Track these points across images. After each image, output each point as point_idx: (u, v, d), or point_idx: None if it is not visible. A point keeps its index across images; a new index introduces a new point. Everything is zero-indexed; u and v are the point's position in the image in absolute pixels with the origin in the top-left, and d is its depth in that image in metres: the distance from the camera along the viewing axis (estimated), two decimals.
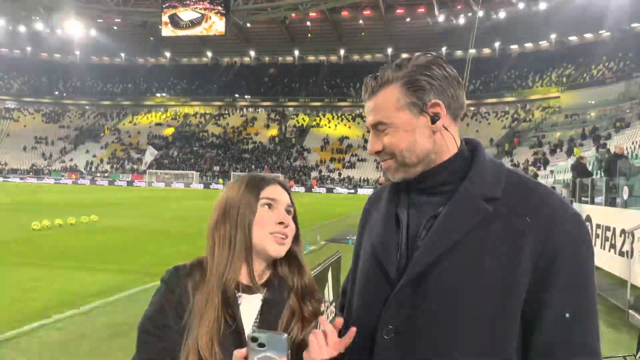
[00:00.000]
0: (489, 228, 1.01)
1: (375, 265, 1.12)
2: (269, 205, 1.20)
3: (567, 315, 0.97)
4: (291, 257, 1.25)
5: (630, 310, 5.99)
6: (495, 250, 0.99)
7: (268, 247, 1.18)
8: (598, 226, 8.13)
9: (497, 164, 1.11)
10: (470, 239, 1.01)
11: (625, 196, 9.82)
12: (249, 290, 1.19)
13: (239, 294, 1.17)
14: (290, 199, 1.25)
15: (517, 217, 1.01)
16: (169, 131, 62.91)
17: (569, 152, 27.91)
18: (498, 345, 0.99)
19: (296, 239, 1.25)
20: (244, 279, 1.19)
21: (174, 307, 1.14)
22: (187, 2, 49.79)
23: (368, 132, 1.18)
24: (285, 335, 1.02)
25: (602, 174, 10.77)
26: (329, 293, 5.30)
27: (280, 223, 1.19)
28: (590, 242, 1.04)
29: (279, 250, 1.19)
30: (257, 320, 1.17)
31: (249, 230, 1.17)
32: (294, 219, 1.25)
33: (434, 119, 1.08)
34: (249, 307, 1.18)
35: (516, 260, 0.98)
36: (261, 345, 0.99)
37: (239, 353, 1.02)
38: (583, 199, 10.91)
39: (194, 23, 50.45)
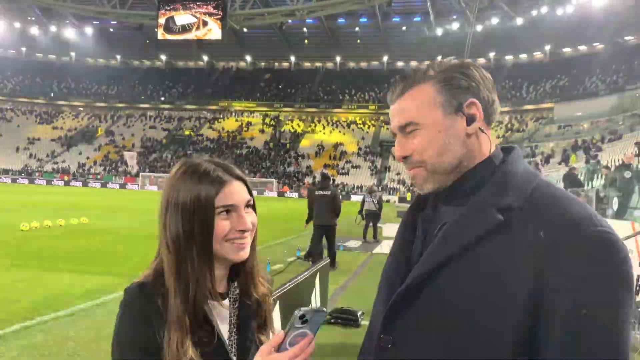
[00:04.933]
0: (496, 239, 0.91)
1: (387, 274, 1.09)
2: (227, 212, 1.10)
3: (572, 351, 0.82)
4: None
5: None
6: (497, 264, 0.90)
7: (229, 255, 1.11)
8: None
9: (528, 174, 0.99)
10: (474, 249, 0.92)
11: (615, 207, 9.87)
12: (216, 296, 1.12)
13: (210, 301, 1.11)
14: (248, 188, 1.15)
15: (531, 230, 0.89)
16: (162, 134, 62.75)
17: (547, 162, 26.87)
18: None
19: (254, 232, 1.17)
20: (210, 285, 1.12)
21: (154, 332, 1.02)
22: (190, 4, 49.82)
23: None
24: (325, 312, 1.03)
25: (609, 185, 10.77)
26: (315, 299, 5.28)
27: (241, 230, 1.10)
28: (617, 269, 0.85)
29: (241, 256, 1.12)
30: (234, 326, 1.14)
31: (210, 241, 1.08)
32: (253, 207, 1.16)
33: (470, 121, 1.01)
34: (220, 315, 1.13)
35: (517, 279, 0.87)
36: (305, 322, 1.01)
37: (277, 337, 1.00)
38: None
39: (185, 28, 50.45)
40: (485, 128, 1.03)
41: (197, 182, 1.09)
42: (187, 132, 63.01)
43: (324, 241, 9.34)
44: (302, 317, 1.02)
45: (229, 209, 1.10)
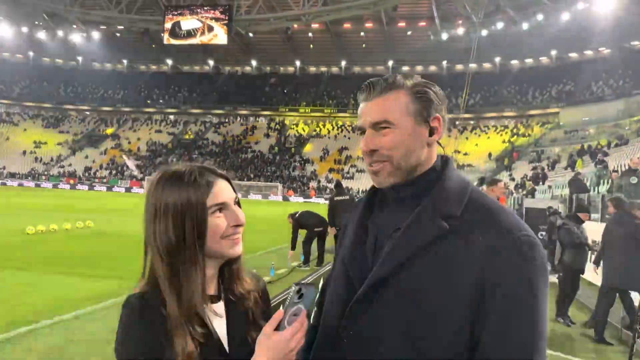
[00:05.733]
0: (442, 245, 1.04)
1: (343, 274, 1.18)
2: (220, 210, 1.13)
3: (503, 337, 0.98)
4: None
5: (623, 329, 5.97)
6: (444, 267, 1.02)
7: (224, 251, 1.13)
8: (594, 242, 8.10)
9: (463, 183, 1.14)
10: (424, 254, 1.04)
11: None
12: (205, 298, 1.13)
13: (205, 305, 1.12)
14: (232, 186, 1.18)
15: (471, 236, 1.03)
16: (168, 138, 62.96)
17: (534, 181, 24.97)
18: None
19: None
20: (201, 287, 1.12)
21: (159, 340, 1.04)
22: (197, 10, 50.05)
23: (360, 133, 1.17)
24: (315, 286, 1.10)
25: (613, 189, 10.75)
26: None
27: (236, 226, 1.14)
28: (541, 267, 1.03)
29: (237, 251, 1.15)
30: (228, 325, 1.16)
31: (204, 242, 1.10)
32: (238, 204, 1.18)
33: (432, 133, 1.14)
34: (214, 313, 1.15)
35: (463, 278, 1.01)
36: (301, 296, 1.07)
37: (277, 315, 1.04)
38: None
39: (190, 33, 50.66)
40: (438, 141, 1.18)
41: (185, 185, 1.10)
42: (188, 136, 63.14)
43: (314, 243, 10.14)
44: (298, 291, 1.08)
45: (221, 207, 1.12)
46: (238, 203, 1.18)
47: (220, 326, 1.14)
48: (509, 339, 0.98)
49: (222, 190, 1.14)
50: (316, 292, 1.08)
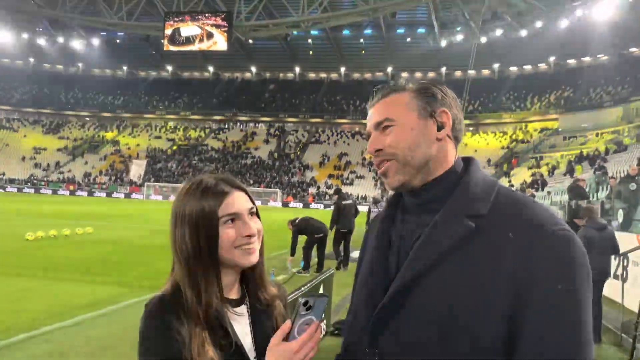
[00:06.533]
0: (469, 245, 0.97)
1: (366, 287, 1.12)
2: (232, 220, 1.16)
3: (544, 343, 0.90)
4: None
5: (622, 334, 5.97)
6: (473, 268, 0.95)
7: (237, 260, 1.17)
8: None
9: (489, 181, 1.08)
10: (450, 257, 0.98)
11: (621, 219, 9.83)
12: (225, 302, 1.18)
13: (225, 309, 1.16)
14: (249, 197, 1.22)
15: (500, 233, 0.96)
16: (168, 144, 63.00)
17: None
18: None
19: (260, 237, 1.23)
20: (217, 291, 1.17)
21: (177, 340, 1.08)
22: (198, 16, 50.22)
23: (367, 149, 1.16)
24: (327, 297, 1.08)
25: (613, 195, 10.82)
26: None
27: (247, 236, 1.17)
28: (582, 264, 0.94)
29: (250, 260, 1.18)
30: (252, 332, 1.20)
31: (215, 250, 1.15)
32: (257, 214, 1.22)
33: (440, 127, 1.10)
34: (237, 320, 1.18)
35: (495, 278, 0.93)
36: (309, 308, 1.05)
37: (285, 326, 1.05)
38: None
39: (189, 40, 50.76)
40: (452, 140, 1.13)
41: (201, 196, 1.17)
42: (187, 142, 63.12)
43: (315, 249, 10.14)
44: (305, 303, 1.06)
45: (233, 218, 1.17)
46: (256, 214, 1.22)
47: (243, 330, 1.18)
48: (551, 344, 0.89)
49: (235, 201, 1.17)
50: (327, 303, 1.07)
